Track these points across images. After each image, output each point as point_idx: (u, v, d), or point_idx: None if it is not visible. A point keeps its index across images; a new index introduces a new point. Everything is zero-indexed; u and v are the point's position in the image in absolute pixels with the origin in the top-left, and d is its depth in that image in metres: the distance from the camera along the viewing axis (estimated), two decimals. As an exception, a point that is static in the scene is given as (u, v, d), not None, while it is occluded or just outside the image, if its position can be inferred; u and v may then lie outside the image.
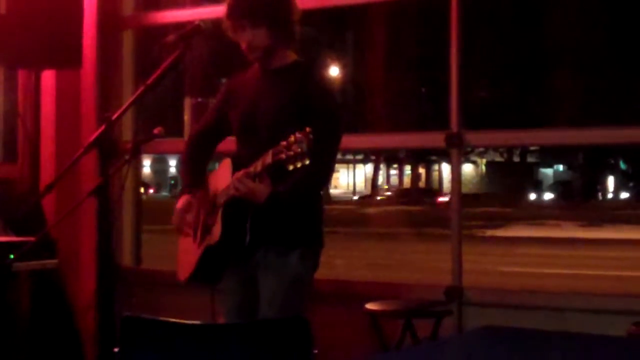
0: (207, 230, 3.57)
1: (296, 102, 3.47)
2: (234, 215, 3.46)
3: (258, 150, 3.33)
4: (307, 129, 3.11)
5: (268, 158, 3.22)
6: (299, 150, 3.08)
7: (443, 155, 34.57)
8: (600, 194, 43.49)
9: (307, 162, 3.09)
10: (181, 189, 3.80)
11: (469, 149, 31.07)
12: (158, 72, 3.33)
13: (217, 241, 3.47)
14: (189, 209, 3.66)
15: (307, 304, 3.55)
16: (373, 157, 44.05)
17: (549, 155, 45.67)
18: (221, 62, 3.65)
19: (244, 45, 3.59)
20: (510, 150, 39.97)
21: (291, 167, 3.13)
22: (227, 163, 3.59)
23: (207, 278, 3.68)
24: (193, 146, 3.82)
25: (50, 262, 4.96)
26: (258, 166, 3.32)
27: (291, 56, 3.63)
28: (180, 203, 3.68)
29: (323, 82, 3.64)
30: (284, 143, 3.13)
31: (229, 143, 3.79)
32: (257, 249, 3.52)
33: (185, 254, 3.70)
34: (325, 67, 31.71)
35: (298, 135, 3.10)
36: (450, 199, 4.92)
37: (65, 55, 5.31)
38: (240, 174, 3.41)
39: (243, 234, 3.46)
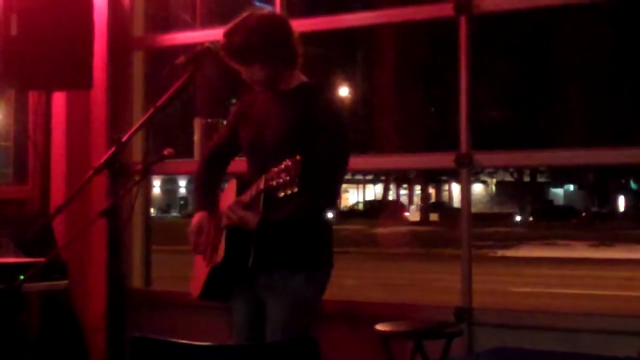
0: (214, 249, 3.58)
1: (301, 125, 3.47)
2: (238, 237, 3.47)
3: (261, 172, 3.34)
4: (298, 157, 3.12)
5: (261, 184, 3.28)
6: (287, 178, 3.12)
7: (453, 175, 34.55)
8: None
9: (295, 189, 3.12)
10: (195, 208, 3.81)
11: (479, 169, 31.07)
12: (168, 93, 3.34)
13: (220, 262, 3.48)
14: (202, 228, 3.67)
15: (313, 327, 3.54)
16: (383, 178, 44.07)
17: (560, 175, 45.58)
18: (231, 83, 3.65)
19: (247, 79, 3.62)
20: (520, 170, 39.91)
21: (282, 194, 3.17)
22: (233, 184, 3.63)
23: (217, 296, 3.68)
24: (206, 164, 3.83)
25: (60, 283, 4.97)
26: (253, 191, 3.37)
27: (299, 78, 3.62)
28: (194, 222, 3.69)
29: (329, 105, 3.58)
30: (275, 170, 3.16)
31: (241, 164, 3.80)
32: (261, 270, 3.52)
33: (198, 271, 3.72)
34: (335, 87, 31.81)
35: (288, 162, 3.13)
36: (461, 218, 4.90)
37: (76, 77, 5.32)
38: (232, 202, 3.46)
39: (246, 256, 3.47)
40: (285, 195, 3.16)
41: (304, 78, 3.64)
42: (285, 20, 3.64)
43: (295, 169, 3.11)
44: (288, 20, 3.64)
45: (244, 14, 3.57)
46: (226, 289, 3.63)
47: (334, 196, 3.59)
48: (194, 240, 3.67)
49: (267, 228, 3.41)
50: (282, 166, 3.14)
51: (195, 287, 3.72)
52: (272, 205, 3.39)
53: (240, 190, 3.52)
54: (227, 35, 3.54)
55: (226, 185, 3.73)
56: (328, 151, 3.43)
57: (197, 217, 3.69)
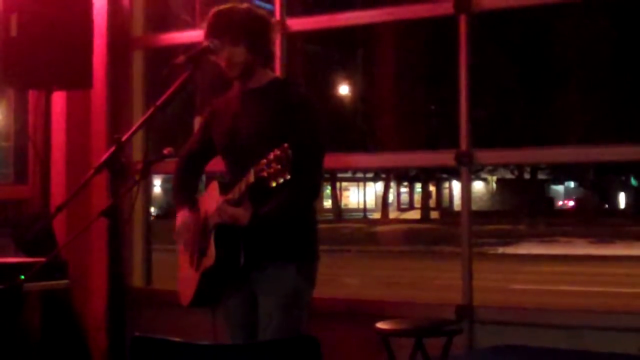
0: (202, 254, 3.58)
1: (275, 120, 3.50)
2: (227, 237, 3.47)
3: (241, 170, 3.36)
4: (285, 145, 3.15)
5: (251, 177, 3.27)
6: (279, 167, 3.14)
7: (454, 172, 34.53)
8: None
9: (288, 177, 3.14)
10: (176, 208, 3.80)
11: (479, 167, 31.06)
12: (168, 93, 3.35)
13: (213, 264, 3.48)
14: (189, 226, 3.67)
15: (306, 318, 3.56)
16: (383, 175, 44.03)
17: (560, 172, 45.55)
18: (230, 81, 3.67)
19: (223, 63, 3.62)
20: (520, 167, 39.90)
21: (274, 184, 3.17)
22: (214, 185, 3.63)
23: (208, 301, 3.70)
24: (182, 168, 3.87)
25: (61, 283, 4.97)
26: (242, 186, 3.36)
27: (269, 75, 3.68)
28: (180, 221, 3.69)
29: (302, 98, 3.61)
30: (264, 161, 3.18)
31: (219, 164, 3.81)
32: (254, 266, 3.53)
33: (185, 280, 3.72)
34: (336, 85, 31.83)
35: (277, 152, 3.15)
36: (461, 216, 4.91)
37: (76, 77, 5.33)
38: (220, 201, 3.46)
39: (237, 255, 3.47)
40: (276, 186, 3.18)
41: (273, 75, 3.71)
42: (269, 18, 3.71)
43: (287, 157, 3.13)
44: (271, 20, 3.73)
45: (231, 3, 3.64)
46: (217, 293, 3.64)
47: (319, 187, 3.64)
48: (185, 238, 3.67)
49: (258, 223, 3.43)
50: (272, 156, 3.16)
51: (184, 295, 3.72)
52: (257, 199, 3.40)
53: (223, 190, 3.51)
54: (215, 14, 3.60)
55: (206, 188, 3.73)
56: (307, 143, 3.46)
57: (181, 216, 3.70)
